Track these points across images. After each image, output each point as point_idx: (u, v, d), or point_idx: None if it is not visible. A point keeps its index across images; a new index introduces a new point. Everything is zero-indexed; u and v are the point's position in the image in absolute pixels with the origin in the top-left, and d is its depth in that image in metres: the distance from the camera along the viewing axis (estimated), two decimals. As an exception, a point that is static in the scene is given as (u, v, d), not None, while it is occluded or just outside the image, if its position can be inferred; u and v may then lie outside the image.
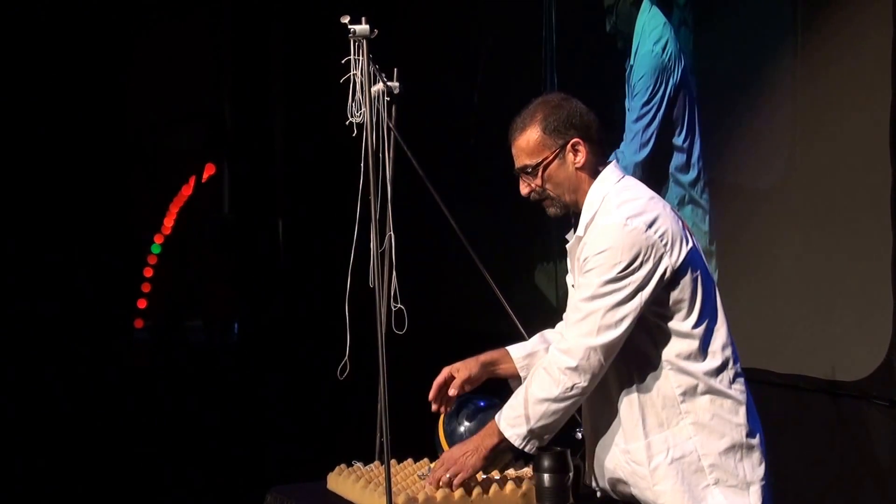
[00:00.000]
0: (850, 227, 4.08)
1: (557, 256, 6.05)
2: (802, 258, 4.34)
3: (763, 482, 2.81)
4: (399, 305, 3.24)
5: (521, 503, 2.96)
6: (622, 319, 2.72)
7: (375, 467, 3.20)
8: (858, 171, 4.05)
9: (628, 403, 2.82)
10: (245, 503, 3.79)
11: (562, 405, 2.76)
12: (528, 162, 2.86)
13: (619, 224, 2.74)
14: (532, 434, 2.79)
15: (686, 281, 2.77)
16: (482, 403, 3.20)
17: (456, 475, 2.86)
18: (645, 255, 2.72)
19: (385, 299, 3.31)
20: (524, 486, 2.98)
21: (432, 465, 3.09)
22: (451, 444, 3.15)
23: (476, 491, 2.95)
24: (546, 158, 2.84)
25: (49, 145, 7.84)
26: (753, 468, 2.81)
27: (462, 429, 3.14)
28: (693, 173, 4.95)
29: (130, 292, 8.72)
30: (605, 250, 2.72)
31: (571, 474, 2.89)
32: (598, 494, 3.01)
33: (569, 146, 2.84)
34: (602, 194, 2.83)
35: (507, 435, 2.80)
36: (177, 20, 8.72)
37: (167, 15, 8.68)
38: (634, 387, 2.81)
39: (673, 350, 2.78)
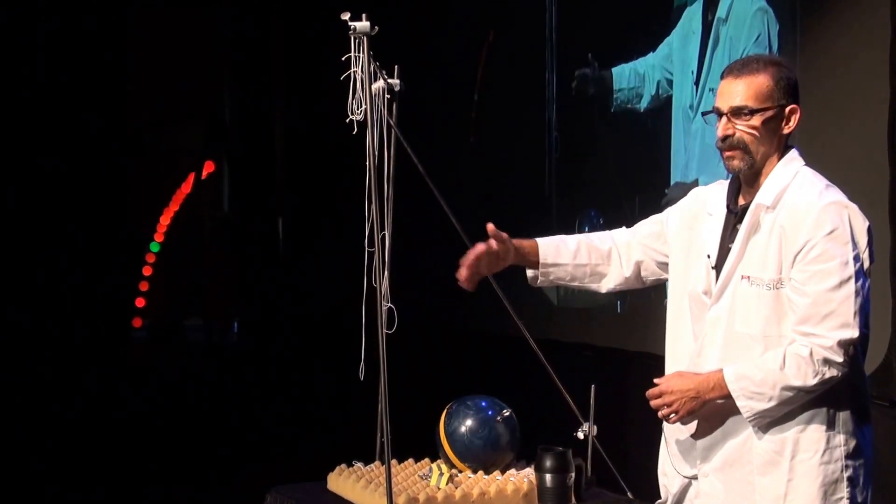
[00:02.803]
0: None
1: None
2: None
3: None
4: (389, 304, 3.20)
5: (522, 503, 2.95)
6: (865, 303, 2.65)
7: (376, 467, 3.19)
8: (857, 171, 4.03)
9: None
10: (245, 503, 3.77)
11: (810, 396, 2.66)
12: (750, 104, 2.73)
13: (841, 203, 2.67)
14: (765, 413, 2.68)
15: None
16: (483, 403, 3.17)
17: (674, 413, 2.76)
18: (869, 238, 2.68)
19: (386, 299, 3.29)
20: (525, 486, 2.96)
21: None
22: (451, 444, 3.13)
23: (477, 491, 2.94)
24: (769, 109, 2.73)
25: (48, 143, 7.83)
26: (868, 490, 2.76)
27: (463, 429, 3.12)
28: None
29: (129, 291, 8.71)
30: (834, 229, 2.63)
31: (573, 474, 2.87)
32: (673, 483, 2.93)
33: (788, 109, 2.75)
34: (794, 170, 2.75)
35: (739, 404, 2.68)
36: (177, 18, 8.71)
37: (167, 12, 8.68)
38: None
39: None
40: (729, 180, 2.88)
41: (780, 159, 2.77)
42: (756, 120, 2.73)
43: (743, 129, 2.74)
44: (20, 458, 6.83)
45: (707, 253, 2.85)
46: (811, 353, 2.62)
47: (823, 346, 2.62)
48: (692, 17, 5.06)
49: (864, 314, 2.65)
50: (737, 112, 2.74)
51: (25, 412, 7.33)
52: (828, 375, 2.63)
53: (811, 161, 2.83)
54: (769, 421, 2.71)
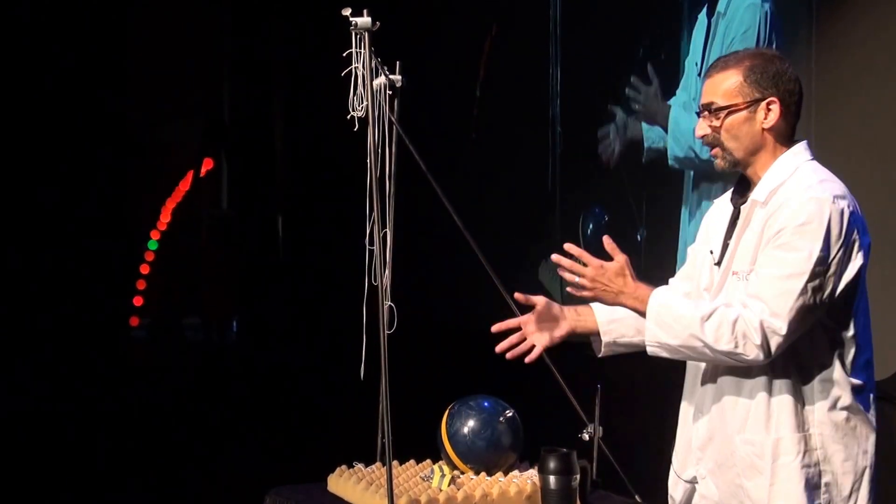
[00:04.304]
0: (868, 222, 4.04)
1: (560, 252, 5.99)
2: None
3: None
4: (389, 303, 3.17)
5: (526, 506, 2.92)
6: (817, 305, 2.58)
7: (377, 468, 3.16)
8: (875, 165, 4.01)
9: (766, 395, 2.67)
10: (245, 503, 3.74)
11: (713, 357, 2.63)
12: (715, 101, 2.71)
13: (826, 200, 2.59)
14: (663, 346, 2.67)
15: (859, 283, 2.64)
16: (486, 404, 3.15)
17: (589, 290, 2.79)
18: (848, 239, 2.60)
19: (388, 298, 3.26)
20: (529, 488, 2.92)
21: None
22: (453, 445, 3.10)
23: (479, 492, 2.91)
24: (735, 106, 2.69)
25: (46, 139, 7.80)
26: (865, 500, 2.69)
27: (465, 429, 3.09)
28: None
29: (126, 289, 8.68)
30: (807, 223, 2.57)
31: (577, 476, 2.83)
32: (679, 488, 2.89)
33: (763, 103, 2.69)
34: (794, 165, 2.69)
35: (647, 324, 2.68)
36: (176, 13, 8.69)
37: (167, 8, 8.66)
38: (779, 380, 2.66)
39: (830, 354, 2.65)
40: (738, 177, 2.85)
41: (777, 154, 2.72)
42: (724, 118, 2.71)
43: (714, 126, 2.72)
44: (18, 458, 6.81)
45: (710, 249, 2.83)
46: (735, 320, 2.57)
47: (748, 321, 2.56)
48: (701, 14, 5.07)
49: (806, 316, 2.57)
50: (708, 110, 2.73)
51: (23, 412, 7.30)
52: (739, 349, 2.57)
53: (827, 155, 2.79)
54: (664, 356, 2.68)
